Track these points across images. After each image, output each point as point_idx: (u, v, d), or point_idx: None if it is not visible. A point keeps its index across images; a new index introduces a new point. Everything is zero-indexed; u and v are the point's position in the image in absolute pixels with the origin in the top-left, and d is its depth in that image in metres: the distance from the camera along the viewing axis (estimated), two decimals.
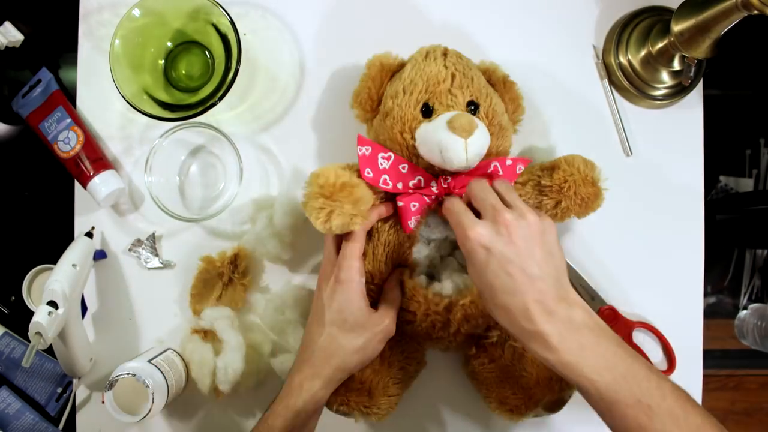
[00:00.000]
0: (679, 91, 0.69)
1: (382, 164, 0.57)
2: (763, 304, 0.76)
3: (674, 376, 0.68)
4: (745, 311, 0.77)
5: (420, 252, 0.61)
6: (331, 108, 0.69)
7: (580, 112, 0.70)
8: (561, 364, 0.46)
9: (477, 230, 0.49)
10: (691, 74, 0.65)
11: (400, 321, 0.60)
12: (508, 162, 0.57)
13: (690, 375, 0.68)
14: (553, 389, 0.58)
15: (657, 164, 0.70)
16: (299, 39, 0.70)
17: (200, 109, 0.61)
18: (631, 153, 0.70)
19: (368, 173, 0.56)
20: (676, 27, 0.61)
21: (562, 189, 0.57)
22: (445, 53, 0.59)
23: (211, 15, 0.63)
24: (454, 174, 0.57)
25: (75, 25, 0.69)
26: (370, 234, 0.60)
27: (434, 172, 0.57)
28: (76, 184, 0.68)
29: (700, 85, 0.70)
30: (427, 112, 0.57)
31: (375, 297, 0.60)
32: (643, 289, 0.69)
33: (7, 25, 0.69)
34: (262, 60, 0.70)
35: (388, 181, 0.57)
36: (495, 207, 0.50)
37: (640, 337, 0.69)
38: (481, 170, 0.57)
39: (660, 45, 0.66)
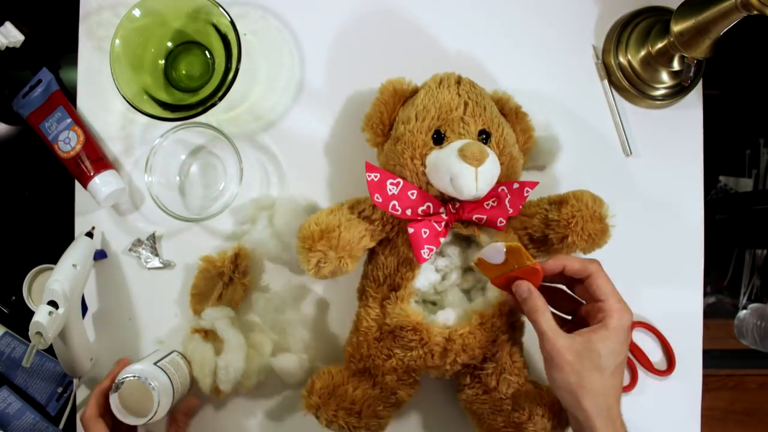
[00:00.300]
0: (678, 91, 0.69)
1: (391, 190, 0.57)
2: (763, 304, 0.76)
3: (674, 376, 0.68)
4: (744, 311, 0.77)
5: (425, 279, 0.60)
6: (331, 108, 0.69)
7: (580, 112, 0.70)
8: None
9: (628, 311, 0.52)
10: (691, 74, 0.65)
11: (398, 347, 0.59)
12: (516, 185, 0.57)
13: (690, 375, 0.69)
14: (545, 428, 0.58)
15: (657, 164, 0.70)
16: (299, 39, 0.70)
17: (200, 109, 0.61)
18: (631, 153, 0.70)
19: (378, 198, 0.56)
20: (676, 27, 0.61)
21: (569, 224, 0.57)
22: (459, 81, 0.59)
23: (211, 15, 0.64)
24: (464, 200, 0.56)
25: (75, 26, 0.69)
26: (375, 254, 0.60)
27: (443, 199, 0.57)
28: (77, 184, 0.68)
29: (699, 85, 0.70)
30: (439, 139, 0.57)
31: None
32: (643, 289, 0.69)
33: (8, 25, 0.69)
34: (262, 60, 0.70)
35: (398, 207, 0.56)
36: (619, 298, 0.53)
37: (640, 336, 0.69)
38: (490, 195, 0.56)
39: (660, 45, 0.66)
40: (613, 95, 0.70)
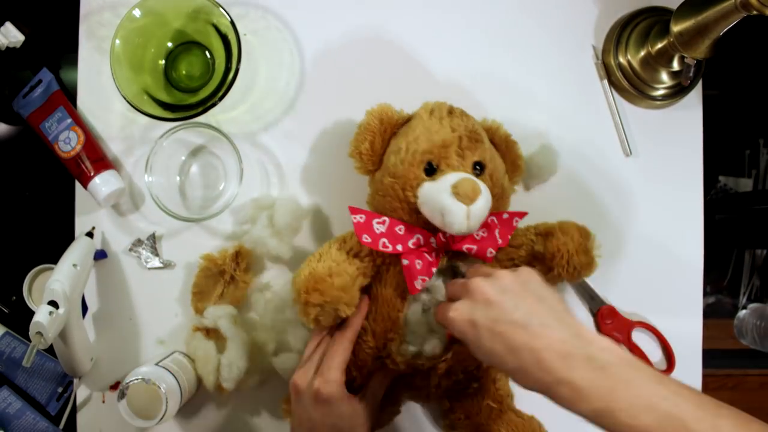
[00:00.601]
0: (678, 91, 0.69)
1: (378, 229, 0.56)
2: (763, 304, 0.76)
3: (674, 376, 0.68)
4: (744, 311, 0.77)
5: (412, 312, 0.60)
6: (330, 108, 0.69)
7: (580, 112, 0.70)
8: (593, 412, 0.40)
9: (456, 309, 0.48)
10: (691, 74, 0.65)
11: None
12: (505, 215, 0.57)
13: (689, 375, 0.69)
14: None
15: (657, 164, 0.70)
16: (299, 39, 0.70)
17: (200, 109, 0.61)
18: (631, 153, 0.70)
19: (366, 239, 0.56)
20: (676, 27, 0.61)
21: (554, 258, 0.57)
22: (451, 111, 0.59)
23: (212, 15, 0.64)
24: None
25: (76, 26, 0.69)
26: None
27: (432, 228, 0.57)
28: (77, 184, 0.68)
29: (699, 86, 0.70)
30: (431, 170, 0.56)
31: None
32: (643, 289, 0.69)
33: (8, 25, 0.69)
34: (263, 60, 0.70)
35: (387, 243, 0.56)
36: (464, 283, 0.50)
37: (639, 336, 0.69)
38: (480, 226, 0.56)
39: (659, 45, 0.66)
40: (613, 95, 0.70)
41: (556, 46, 0.71)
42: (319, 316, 0.55)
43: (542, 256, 0.58)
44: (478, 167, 0.57)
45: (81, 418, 0.68)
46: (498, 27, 0.71)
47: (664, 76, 0.69)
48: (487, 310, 0.46)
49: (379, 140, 0.59)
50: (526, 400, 0.63)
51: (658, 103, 0.70)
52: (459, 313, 0.47)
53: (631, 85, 0.69)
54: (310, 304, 0.54)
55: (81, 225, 0.69)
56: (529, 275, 0.49)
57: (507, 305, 0.46)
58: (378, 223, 0.56)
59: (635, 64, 0.69)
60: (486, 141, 0.59)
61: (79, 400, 0.68)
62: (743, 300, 0.77)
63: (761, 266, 0.77)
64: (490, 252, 0.56)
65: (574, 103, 0.70)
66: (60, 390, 0.68)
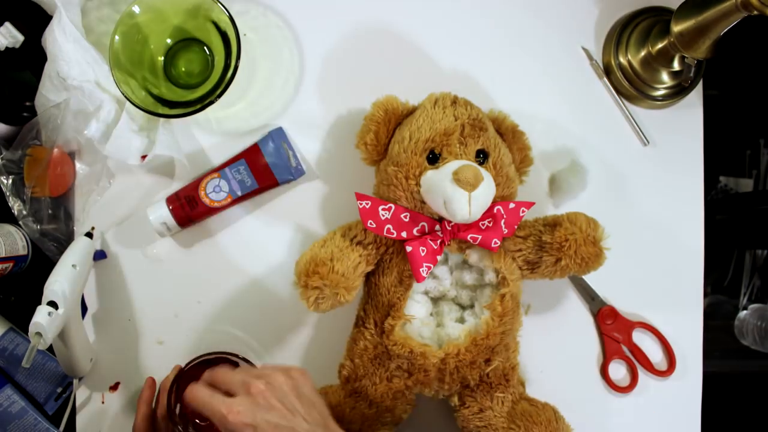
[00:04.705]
0: (679, 91, 0.69)
1: (383, 215, 0.56)
2: (763, 304, 0.76)
3: (674, 377, 0.69)
4: (745, 311, 0.77)
5: (417, 301, 0.60)
6: (329, 106, 0.69)
7: (580, 112, 0.70)
8: None
9: (235, 409, 0.47)
10: (691, 75, 0.65)
11: (395, 370, 0.60)
12: (512, 205, 0.57)
13: (690, 375, 0.69)
14: None
15: (657, 165, 0.70)
16: (299, 36, 0.70)
17: (199, 106, 0.61)
18: (648, 143, 0.69)
19: (371, 224, 0.56)
20: (676, 27, 0.61)
21: (562, 247, 0.57)
22: (455, 101, 0.59)
23: (211, 12, 0.63)
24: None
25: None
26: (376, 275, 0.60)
27: (438, 217, 0.57)
28: (76, 184, 0.68)
29: (700, 86, 0.70)
30: (433, 158, 0.56)
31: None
32: (643, 289, 0.69)
33: (8, 25, 0.69)
34: (262, 57, 0.69)
35: (392, 230, 0.56)
36: (244, 380, 0.49)
37: (640, 337, 0.69)
38: (485, 215, 0.56)
39: (660, 45, 0.66)
40: (613, 94, 0.70)
41: (557, 45, 0.70)
42: (319, 300, 0.55)
43: (549, 245, 0.58)
44: (481, 155, 0.57)
45: (80, 419, 0.67)
46: (494, 27, 0.70)
47: (665, 77, 0.69)
48: (269, 413, 0.47)
49: (384, 130, 0.60)
50: (539, 388, 0.63)
51: (659, 103, 0.70)
52: (239, 414, 0.47)
53: (632, 86, 0.69)
54: (310, 287, 0.55)
55: (80, 225, 0.68)
56: (302, 377, 0.51)
57: (287, 411, 0.48)
58: (384, 209, 0.57)
59: (636, 64, 0.69)
60: (490, 130, 0.59)
61: (78, 401, 0.67)
62: (744, 300, 0.78)
63: (762, 267, 0.77)
64: (495, 242, 0.56)
65: (574, 103, 0.70)
66: (59, 390, 0.68)
